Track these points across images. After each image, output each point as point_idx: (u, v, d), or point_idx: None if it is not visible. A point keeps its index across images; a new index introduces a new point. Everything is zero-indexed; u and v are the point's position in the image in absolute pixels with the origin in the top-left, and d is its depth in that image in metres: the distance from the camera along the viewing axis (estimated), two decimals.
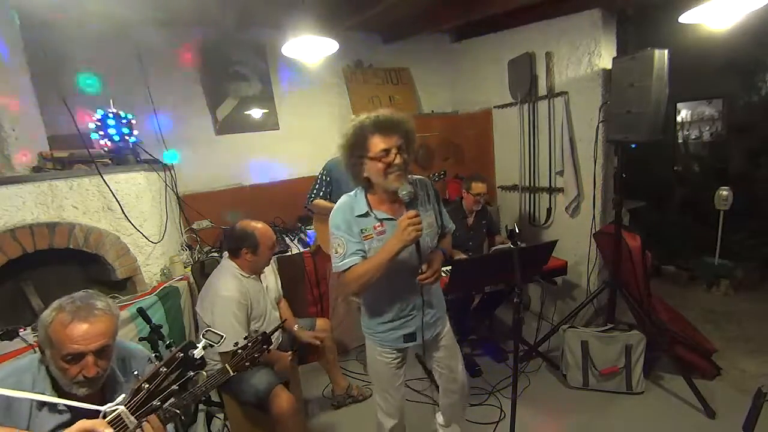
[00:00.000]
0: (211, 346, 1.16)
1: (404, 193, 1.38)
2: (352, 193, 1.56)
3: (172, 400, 1.02)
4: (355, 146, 1.43)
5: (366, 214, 1.50)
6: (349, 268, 1.46)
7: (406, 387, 1.88)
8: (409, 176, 1.53)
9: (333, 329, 2.63)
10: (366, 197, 1.52)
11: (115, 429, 0.87)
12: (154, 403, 0.98)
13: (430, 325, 1.65)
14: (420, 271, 1.45)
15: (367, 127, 1.41)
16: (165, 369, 1.01)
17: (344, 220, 1.50)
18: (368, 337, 1.70)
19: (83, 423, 0.84)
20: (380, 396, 1.76)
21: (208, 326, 1.95)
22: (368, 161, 1.42)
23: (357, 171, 1.47)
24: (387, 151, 1.39)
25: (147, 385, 0.98)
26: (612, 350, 2.48)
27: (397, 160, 1.40)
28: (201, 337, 1.21)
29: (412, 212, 1.37)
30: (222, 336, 1.26)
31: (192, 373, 1.05)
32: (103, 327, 1.13)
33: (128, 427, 0.91)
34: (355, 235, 1.48)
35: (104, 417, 0.92)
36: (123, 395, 0.96)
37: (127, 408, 0.93)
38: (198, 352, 1.07)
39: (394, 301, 1.58)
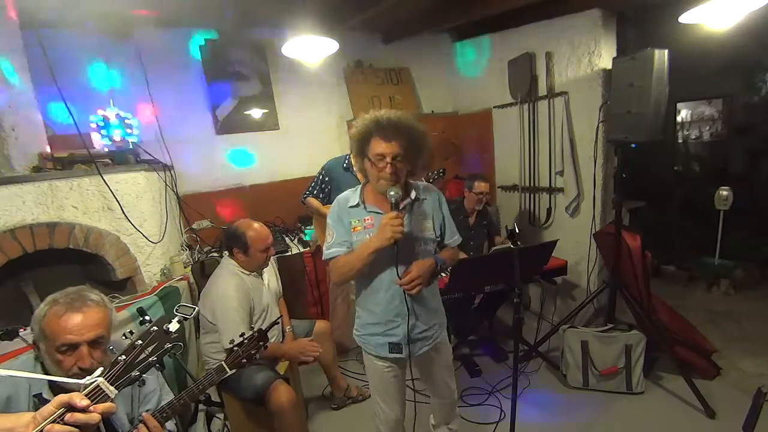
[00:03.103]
0: (185, 319, 1.19)
1: (392, 194, 1.34)
2: (355, 187, 1.56)
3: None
4: (360, 142, 1.41)
5: (357, 206, 1.49)
6: (333, 258, 1.47)
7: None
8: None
9: (333, 330, 2.61)
10: (363, 190, 1.51)
11: (93, 400, 0.89)
12: (133, 374, 1.02)
13: (417, 339, 1.53)
14: (398, 275, 1.41)
15: (371, 126, 1.37)
16: (141, 342, 1.05)
17: (337, 211, 1.51)
18: (357, 340, 1.63)
19: (60, 397, 0.85)
20: (378, 404, 1.67)
21: (212, 324, 1.98)
22: (365, 160, 1.42)
23: (360, 165, 1.47)
24: (382, 156, 1.35)
25: (124, 357, 1.02)
26: (612, 350, 2.48)
27: (388, 169, 1.35)
28: (175, 312, 1.24)
29: (393, 213, 1.33)
30: (194, 308, 1.29)
31: (169, 345, 1.09)
32: (96, 317, 1.15)
33: (109, 397, 0.94)
34: (344, 227, 1.48)
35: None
36: (101, 368, 0.99)
37: (105, 379, 0.96)
38: (173, 326, 1.11)
39: (379, 304, 1.51)
